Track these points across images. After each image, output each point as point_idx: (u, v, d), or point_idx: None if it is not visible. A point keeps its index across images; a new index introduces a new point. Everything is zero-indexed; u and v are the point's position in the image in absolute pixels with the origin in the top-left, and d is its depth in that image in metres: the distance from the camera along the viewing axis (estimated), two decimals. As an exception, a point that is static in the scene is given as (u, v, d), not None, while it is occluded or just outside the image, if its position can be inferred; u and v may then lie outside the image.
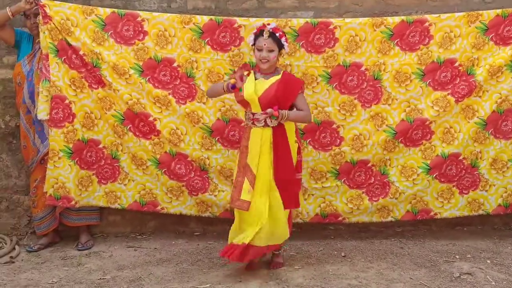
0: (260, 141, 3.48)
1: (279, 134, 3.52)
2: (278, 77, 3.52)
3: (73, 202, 4.04)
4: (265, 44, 3.44)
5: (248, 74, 3.54)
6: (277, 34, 3.46)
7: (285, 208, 3.55)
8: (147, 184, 4.11)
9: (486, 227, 4.45)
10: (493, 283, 3.42)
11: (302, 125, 3.95)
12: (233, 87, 3.50)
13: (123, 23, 3.91)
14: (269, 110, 3.40)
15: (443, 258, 3.86)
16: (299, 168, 3.64)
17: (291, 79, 3.60)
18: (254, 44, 3.51)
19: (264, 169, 3.49)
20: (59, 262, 3.91)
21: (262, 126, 3.48)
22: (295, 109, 3.53)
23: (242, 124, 3.82)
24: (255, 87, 3.48)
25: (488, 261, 3.78)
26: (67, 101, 3.97)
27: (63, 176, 4.01)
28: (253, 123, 3.50)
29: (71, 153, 4.01)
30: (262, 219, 3.46)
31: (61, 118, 3.96)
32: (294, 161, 3.58)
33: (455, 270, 3.61)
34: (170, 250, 4.10)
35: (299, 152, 3.64)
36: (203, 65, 3.97)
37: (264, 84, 3.50)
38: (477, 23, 3.92)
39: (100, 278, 3.60)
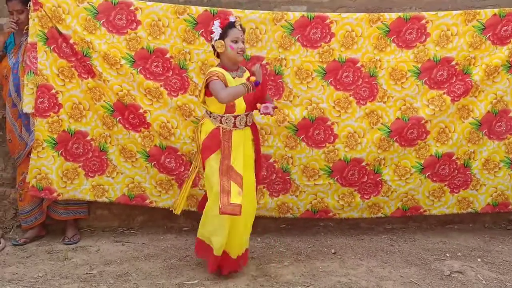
0: (243, 141, 3.53)
1: (256, 131, 3.67)
2: (247, 72, 3.59)
3: (55, 194, 4.07)
4: (241, 35, 3.47)
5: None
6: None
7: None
8: (136, 177, 4.15)
9: (477, 226, 4.60)
10: (484, 281, 3.54)
11: (296, 121, 4.02)
12: (257, 83, 3.44)
13: (116, 11, 3.94)
14: (269, 104, 3.46)
15: (433, 256, 3.97)
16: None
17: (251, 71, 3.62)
18: (223, 37, 3.43)
19: (249, 169, 3.56)
20: (45, 256, 3.95)
21: (243, 127, 3.54)
22: None
23: (217, 127, 3.52)
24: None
25: (479, 260, 3.90)
26: (53, 91, 3.99)
27: (45, 167, 4.04)
28: (234, 126, 3.50)
29: (55, 143, 4.04)
30: (251, 219, 3.60)
31: (46, 108, 3.99)
32: None
33: (446, 269, 3.73)
34: (158, 245, 4.16)
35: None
36: (196, 57, 4.01)
37: (242, 82, 3.48)
38: (474, 22, 4.04)
39: (87, 273, 3.65)
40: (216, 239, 3.47)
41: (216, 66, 3.55)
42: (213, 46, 3.51)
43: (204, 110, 3.60)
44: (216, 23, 3.47)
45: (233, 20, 3.48)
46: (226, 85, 3.41)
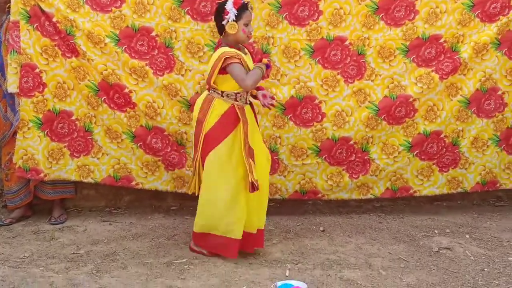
0: (252, 117, 3.59)
1: (253, 108, 3.67)
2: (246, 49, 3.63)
3: (42, 175, 4.07)
4: (251, 18, 3.49)
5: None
6: None
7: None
8: (122, 158, 4.15)
9: (465, 202, 4.67)
10: (472, 257, 3.61)
11: (283, 100, 4.04)
12: (268, 66, 3.52)
13: (100, -12, 3.90)
14: (267, 93, 3.61)
15: (422, 233, 4.03)
16: None
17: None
18: (236, 20, 3.42)
19: (260, 144, 3.60)
20: (31, 237, 3.97)
21: (247, 103, 3.60)
22: None
23: (232, 105, 3.53)
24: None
25: (467, 236, 3.97)
26: (37, 70, 3.96)
27: (32, 148, 4.03)
28: (245, 102, 3.57)
29: (40, 124, 4.03)
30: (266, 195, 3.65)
31: (31, 87, 3.97)
32: None
33: (434, 245, 3.79)
34: (146, 225, 4.20)
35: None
36: (182, 35, 3.98)
37: (250, 61, 3.57)
38: (464, -1, 4.04)
39: (74, 253, 3.68)
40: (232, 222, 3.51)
41: (223, 46, 3.53)
42: (221, 25, 3.47)
43: (212, 91, 3.55)
44: (230, 3, 3.42)
45: (246, 1, 3.47)
46: (246, 67, 3.44)
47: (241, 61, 3.41)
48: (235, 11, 3.41)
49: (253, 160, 3.45)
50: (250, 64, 3.52)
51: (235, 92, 3.50)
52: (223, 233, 3.54)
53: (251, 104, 3.66)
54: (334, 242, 3.84)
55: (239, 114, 3.47)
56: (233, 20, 3.42)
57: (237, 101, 3.51)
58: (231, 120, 3.49)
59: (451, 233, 4.01)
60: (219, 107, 3.50)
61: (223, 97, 3.51)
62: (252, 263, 3.51)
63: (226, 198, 3.50)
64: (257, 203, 3.60)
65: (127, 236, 3.96)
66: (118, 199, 4.56)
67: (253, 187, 3.40)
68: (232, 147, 3.49)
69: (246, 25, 3.46)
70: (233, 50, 3.45)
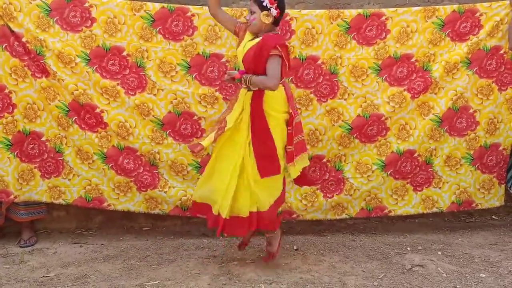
0: (241, 102, 3.64)
1: (255, 102, 3.59)
2: (260, 38, 3.61)
3: (12, 197, 4.11)
4: (250, 6, 3.60)
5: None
6: None
7: (261, 176, 3.58)
8: (93, 179, 4.20)
9: (436, 219, 4.78)
10: (444, 274, 3.71)
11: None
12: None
13: (70, 9, 3.97)
14: (232, 72, 3.62)
15: (394, 250, 4.14)
16: (290, 140, 3.66)
17: (266, 42, 3.54)
18: None
19: (241, 132, 3.62)
20: (0, 260, 3.98)
21: (245, 87, 3.63)
22: None
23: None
24: (244, 46, 3.63)
25: (439, 253, 4.07)
26: (6, 91, 4.02)
27: (1, 169, 4.08)
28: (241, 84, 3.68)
29: (10, 145, 4.08)
30: (228, 185, 3.60)
31: (0, 108, 4.02)
32: (283, 134, 3.64)
33: (407, 262, 3.89)
34: (118, 246, 4.24)
35: (290, 123, 3.65)
36: (154, 54, 4.08)
37: (248, 45, 3.62)
38: (434, 18, 4.18)
39: (44, 276, 3.71)
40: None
41: None
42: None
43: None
44: None
45: None
46: (242, 36, 3.68)
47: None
48: None
49: (217, 135, 3.61)
50: (246, 47, 3.61)
51: None
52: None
53: (256, 94, 3.60)
54: (308, 261, 3.92)
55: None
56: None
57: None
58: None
59: (423, 250, 4.12)
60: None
61: None
62: (225, 284, 3.57)
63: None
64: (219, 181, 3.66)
65: (98, 258, 4.01)
66: (89, 220, 4.60)
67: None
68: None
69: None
70: None
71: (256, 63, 3.54)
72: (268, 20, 3.55)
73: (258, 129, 3.60)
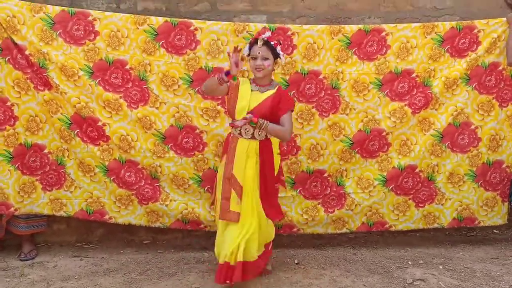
0: (245, 153, 3.66)
1: (265, 149, 3.72)
2: (273, 91, 3.69)
3: (12, 209, 4.10)
4: (259, 52, 3.60)
5: (239, 51, 3.61)
6: (272, 43, 3.63)
7: (273, 220, 3.86)
8: (95, 192, 4.19)
9: (438, 233, 4.78)
10: (445, 288, 3.71)
11: None
12: (227, 73, 3.58)
13: (73, 22, 4.00)
14: (248, 115, 3.55)
15: (396, 264, 4.14)
16: (279, 178, 3.90)
17: (286, 95, 3.80)
18: (249, 54, 3.65)
19: (249, 181, 3.67)
20: (0, 273, 3.96)
21: (249, 138, 3.67)
22: None
23: (230, 133, 3.82)
24: (249, 99, 3.64)
25: (441, 267, 4.07)
26: (8, 103, 4.02)
27: (2, 182, 4.06)
28: (239, 134, 3.68)
29: (11, 157, 4.07)
30: (250, 229, 3.65)
31: (1, 121, 4.02)
32: (276, 172, 3.80)
33: (408, 276, 3.89)
34: (118, 260, 4.22)
35: (281, 161, 3.91)
36: (157, 68, 4.09)
37: (259, 97, 3.66)
38: (433, 34, 4.23)
39: (44, 290, 3.69)
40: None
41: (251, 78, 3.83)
42: None
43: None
44: (250, 40, 3.75)
45: (257, 38, 3.65)
46: (234, 91, 3.66)
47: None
48: (247, 46, 3.70)
49: (238, 193, 3.61)
50: (255, 99, 3.65)
51: (230, 121, 3.71)
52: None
53: (263, 142, 3.69)
54: (308, 275, 3.91)
55: (229, 143, 3.71)
56: (247, 55, 3.67)
57: (232, 129, 3.73)
58: (225, 147, 3.83)
59: (425, 264, 4.12)
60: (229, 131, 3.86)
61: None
62: (227, 298, 3.58)
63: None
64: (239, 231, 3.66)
65: (99, 272, 3.99)
66: (89, 233, 4.59)
67: (221, 214, 3.65)
68: (220, 171, 3.77)
69: (254, 59, 3.63)
70: (242, 78, 3.84)
71: (275, 115, 3.63)
72: (277, 67, 3.80)
73: (270, 174, 3.75)
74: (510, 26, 4.18)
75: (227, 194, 3.65)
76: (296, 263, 4.14)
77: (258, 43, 3.61)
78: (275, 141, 3.78)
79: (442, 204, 4.42)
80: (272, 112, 3.63)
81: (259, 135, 3.67)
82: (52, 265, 4.12)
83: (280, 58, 3.69)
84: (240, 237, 3.60)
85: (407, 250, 4.43)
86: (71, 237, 4.56)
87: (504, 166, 4.43)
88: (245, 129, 3.66)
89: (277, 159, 3.79)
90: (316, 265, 4.09)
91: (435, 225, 4.45)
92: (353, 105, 4.25)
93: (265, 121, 3.57)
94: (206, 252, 4.33)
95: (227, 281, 3.56)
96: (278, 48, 3.66)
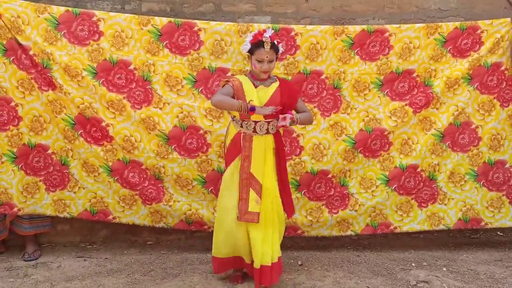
0: (264, 148, 3.65)
1: (279, 140, 3.74)
2: (277, 83, 3.70)
3: (15, 209, 4.08)
4: (267, 57, 3.57)
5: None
6: (275, 42, 3.61)
7: (288, 217, 3.87)
8: (98, 192, 4.18)
9: (441, 235, 4.77)
10: (449, 291, 3.70)
11: None
12: (252, 109, 3.49)
13: (78, 22, 4.00)
14: (287, 115, 3.55)
15: (399, 266, 4.12)
16: None
17: (291, 85, 3.83)
18: (251, 53, 3.61)
19: (268, 177, 3.66)
20: (4, 274, 3.94)
21: (264, 133, 3.65)
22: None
23: (239, 132, 3.69)
24: (257, 95, 3.62)
25: (444, 269, 4.06)
26: (13, 104, 4.02)
27: (5, 182, 4.05)
28: (254, 131, 3.64)
29: (15, 157, 4.06)
30: (274, 229, 3.66)
31: (5, 121, 4.01)
32: None
33: (412, 278, 3.87)
34: (122, 260, 4.21)
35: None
36: (160, 68, 4.09)
37: (266, 92, 3.65)
38: (436, 35, 4.24)
39: (47, 290, 3.67)
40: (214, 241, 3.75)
41: (247, 72, 3.82)
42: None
43: (229, 114, 3.77)
44: (249, 37, 3.63)
45: (263, 40, 3.56)
46: (240, 93, 3.58)
47: (233, 85, 3.58)
48: (249, 46, 3.60)
49: (257, 191, 3.58)
50: (264, 95, 3.62)
51: (241, 119, 3.63)
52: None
53: (276, 136, 3.70)
54: (312, 276, 3.89)
55: (241, 142, 3.63)
56: (247, 53, 3.64)
57: (243, 127, 3.64)
58: (236, 147, 3.66)
59: (428, 266, 4.11)
60: (232, 131, 3.71)
61: (233, 121, 3.70)
62: (231, 299, 3.57)
63: (217, 218, 3.74)
64: (263, 235, 3.63)
65: (102, 272, 3.97)
66: (93, 234, 4.57)
67: (240, 216, 3.58)
68: (233, 173, 3.66)
69: (260, 61, 3.58)
70: (239, 76, 3.72)
71: (288, 105, 3.65)
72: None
73: (283, 168, 3.77)
74: (515, 26, 4.21)
75: (244, 195, 3.60)
76: (300, 265, 4.12)
77: (266, 47, 3.55)
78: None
79: (445, 204, 4.41)
80: (284, 103, 3.62)
81: (272, 128, 3.66)
82: (55, 265, 4.10)
83: (279, 52, 3.67)
84: (269, 238, 3.60)
85: (410, 252, 4.42)
86: (74, 238, 4.55)
87: (507, 166, 4.43)
88: (260, 125, 3.63)
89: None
90: (319, 267, 4.08)
91: (441, 227, 4.42)
92: (354, 104, 4.27)
93: (296, 114, 3.63)
94: (209, 253, 4.26)
95: (267, 284, 3.59)
96: (280, 45, 3.66)
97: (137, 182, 4.15)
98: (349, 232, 4.40)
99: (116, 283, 3.76)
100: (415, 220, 4.40)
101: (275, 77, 3.76)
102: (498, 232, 4.85)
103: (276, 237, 3.66)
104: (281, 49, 3.68)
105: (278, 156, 3.71)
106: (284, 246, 4.41)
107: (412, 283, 3.79)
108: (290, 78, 4.17)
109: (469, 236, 4.81)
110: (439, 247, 4.54)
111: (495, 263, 4.21)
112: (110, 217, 4.21)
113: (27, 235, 4.25)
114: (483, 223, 4.43)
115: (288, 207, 3.77)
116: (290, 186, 4.16)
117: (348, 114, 4.27)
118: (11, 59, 3.96)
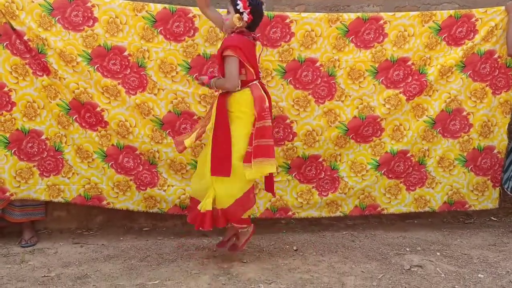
0: (214, 106, 3.66)
1: (219, 103, 3.63)
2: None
3: (8, 194, 4.02)
4: (227, 6, 3.61)
5: None
6: None
7: (211, 174, 3.59)
8: (92, 178, 4.13)
9: (435, 220, 4.78)
10: (443, 275, 3.69)
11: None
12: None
13: (72, 8, 3.90)
14: (202, 77, 3.69)
15: (394, 250, 4.12)
16: (250, 141, 3.60)
17: (223, 43, 3.61)
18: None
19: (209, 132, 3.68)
20: (1, 260, 3.90)
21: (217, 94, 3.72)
22: None
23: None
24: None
25: (438, 254, 4.07)
26: (6, 89, 3.93)
27: (-2, 167, 4.00)
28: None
29: (7, 142, 3.99)
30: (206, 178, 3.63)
31: None
32: (242, 133, 3.60)
33: (406, 263, 3.88)
34: (118, 246, 4.18)
35: (253, 125, 3.60)
36: (155, 55, 4.02)
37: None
38: (431, 23, 4.20)
39: (44, 276, 3.63)
40: None
41: None
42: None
43: None
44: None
45: None
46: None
47: None
48: None
49: (199, 134, 3.69)
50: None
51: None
52: None
53: (221, 96, 3.65)
54: (307, 261, 3.89)
55: None
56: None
57: None
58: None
59: (422, 251, 4.12)
60: None
61: None
62: (225, 284, 3.52)
63: None
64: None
65: (99, 258, 3.94)
66: (89, 220, 4.52)
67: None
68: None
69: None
70: None
71: (218, 64, 3.66)
72: (238, 24, 3.56)
73: (219, 129, 3.62)
74: (509, 14, 4.17)
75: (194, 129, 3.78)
76: (295, 250, 4.12)
77: None
78: (241, 98, 3.59)
79: (433, 188, 4.44)
80: (218, 61, 3.66)
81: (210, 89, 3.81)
82: (52, 251, 4.07)
83: (242, 14, 3.52)
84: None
85: (405, 237, 4.42)
86: (71, 224, 4.50)
87: (495, 151, 4.45)
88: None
89: (241, 118, 3.60)
90: (314, 252, 4.07)
91: (426, 209, 4.47)
92: (349, 92, 4.23)
93: (213, 80, 3.65)
94: (206, 239, 4.30)
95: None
96: (240, 5, 3.51)
97: (131, 167, 4.11)
98: (337, 213, 4.42)
99: (112, 269, 3.74)
100: (402, 203, 4.44)
101: (231, 35, 3.63)
102: (492, 217, 4.86)
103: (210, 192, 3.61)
104: (240, 8, 3.50)
105: (215, 120, 3.62)
106: (279, 231, 4.47)
107: (406, 267, 3.80)
108: (285, 65, 4.12)
109: (462, 221, 4.82)
110: (433, 232, 4.54)
111: (488, 247, 4.22)
112: (104, 202, 4.17)
113: (18, 222, 4.20)
114: (467, 206, 4.49)
115: (212, 167, 3.59)
116: (281, 169, 4.23)
117: (342, 101, 4.23)
118: (4, 44, 3.87)
